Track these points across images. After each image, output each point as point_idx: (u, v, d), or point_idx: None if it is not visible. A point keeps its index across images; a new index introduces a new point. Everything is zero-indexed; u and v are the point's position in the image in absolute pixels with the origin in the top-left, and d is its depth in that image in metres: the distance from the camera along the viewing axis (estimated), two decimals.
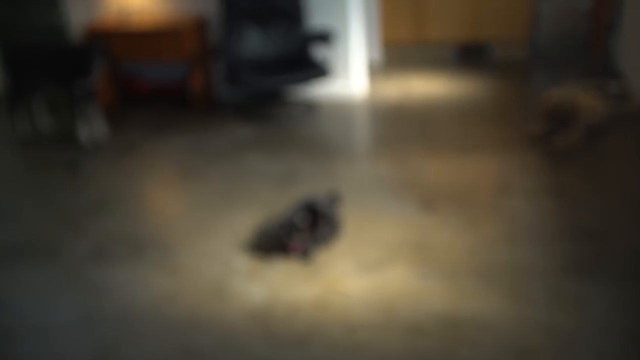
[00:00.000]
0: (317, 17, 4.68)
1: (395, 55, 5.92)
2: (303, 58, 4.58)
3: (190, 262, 2.75)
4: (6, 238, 3.08)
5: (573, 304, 2.33)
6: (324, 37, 4.40)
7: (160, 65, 5.16)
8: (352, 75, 4.83)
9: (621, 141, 3.71)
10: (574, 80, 4.72)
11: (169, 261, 2.77)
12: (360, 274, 2.60)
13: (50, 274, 2.74)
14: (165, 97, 5.14)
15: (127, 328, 2.35)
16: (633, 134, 3.78)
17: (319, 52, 4.58)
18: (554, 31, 5.49)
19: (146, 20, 4.79)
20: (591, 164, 3.44)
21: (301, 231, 2.62)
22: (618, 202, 3.03)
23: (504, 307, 2.34)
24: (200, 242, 2.91)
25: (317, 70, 4.33)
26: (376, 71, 5.51)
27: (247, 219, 3.09)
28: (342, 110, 4.61)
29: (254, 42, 4.62)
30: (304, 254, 2.71)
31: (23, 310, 2.50)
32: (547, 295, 2.38)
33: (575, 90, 4.34)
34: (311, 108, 4.66)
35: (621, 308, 2.29)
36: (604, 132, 3.83)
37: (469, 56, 5.74)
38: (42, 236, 3.07)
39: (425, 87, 4.99)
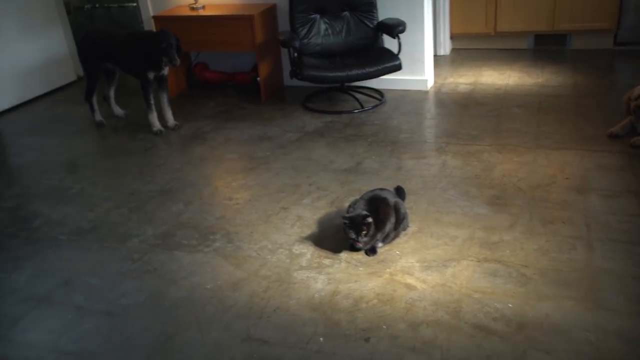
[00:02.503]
0: (387, 8, 4.59)
1: (466, 46, 5.75)
2: (373, 50, 4.51)
3: (255, 251, 2.76)
4: (78, 220, 3.19)
5: None
6: (395, 28, 4.31)
7: (230, 54, 5.22)
8: (421, 66, 4.72)
9: None
10: None
11: (234, 249, 2.79)
12: (426, 269, 2.53)
13: (118, 257, 2.81)
14: (233, 86, 5.20)
15: (191, 313, 2.38)
16: None
17: (389, 43, 4.49)
18: None
19: (217, 10, 4.85)
20: None
21: (367, 226, 2.57)
22: None
23: (578, 312, 2.21)
24: (266, 232, 2.91)
25: (387, 63, 4.25)
26: (446, 63, 5.37)
27: (313, 211, 3.07)
28: (410, 102, 4.52)
29: (323, 33, 4.58)
30: (370, 248, 2.67)
31: (92, 290, 2.58)
32: (627, 302, 2.24)
33: None
34: (379, 99, 4.59)
35: None
36: None
37: (546, 48, 5.50)
38: (112, 219, 3.16)
39: (497, 79, 4.82)
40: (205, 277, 2.59)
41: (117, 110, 4.71)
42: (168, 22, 4.75)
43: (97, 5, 6.23)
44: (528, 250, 2.60)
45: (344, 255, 2.67)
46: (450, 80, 4.92)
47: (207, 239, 2.89)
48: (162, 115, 4.35)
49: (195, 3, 4.91)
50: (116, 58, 4.33)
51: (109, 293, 2.55)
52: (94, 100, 4.54)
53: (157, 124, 4.29)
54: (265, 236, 2.87)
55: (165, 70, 4.23)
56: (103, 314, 2.43)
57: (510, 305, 2.28)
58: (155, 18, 4.85)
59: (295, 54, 4.37)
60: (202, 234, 2.94)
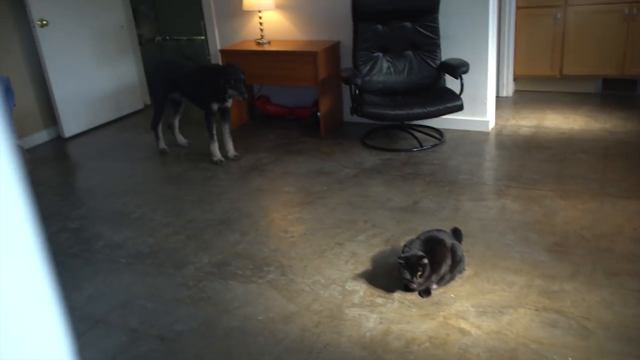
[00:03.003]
0: (451, 48, 4.60)
1: (529, 88, 5.67)
2: (435, 89, 4.51)
3: (308, 285, 2.76)
4: (138, 244, 3.28)
5: None
6: (458, 69, 4.31)
7: (292, 88, 5.32)
8: (483, 107, 4.67)
9: None
10: None
11: (287, 282, 2.80)
12: (481, 315, 2.46)
13: (174, 283, 2.87)
14: (294, 120, 5.29)
15: (242, 343, 2.39)
16: None
17: (451, 83, 4.49)
18: None
19: (282, 46, 4.98)
20: None
21: (422, 267, 2.53)
22: None
23: None
24: (320, 267, 2.91)
25: (449, 103, 4.24)
26: (509, 104, 5.30)
27: (368, 248, 3.05)
28: (470, 142, 4.47)
29: (385, 71, 4.62)
30: (424, 290, 2.62)
31: (147, 314, 2.64)
32: None
33: None
34: (439, 139, 4.57)
35: None
36: None
37: (614, 92, 5.36)
38: (171, 245, 3.23)
39: (561, 123, 4.71)
40: (257, 308, 2.60)
41: (181, 139, 4.86)
42: (234, 56, 4.90)
43: (167, 38, 6.52)
44: (590, 301, 2.50)
45: (397, 295, 2.64)
46: (512, 122, 4.85)
47: (262, 270, 2.91)
48: (223, 145, 4.46)
49: (261, 38, 5.06)
50: (184, 89, 4.49)
51: (164, 318, 2.60)
52: (159, 128, 4.71)
53: (217, 154, 4.40)
54: (319, 271, 2.87)
55: (229, 102, 4.35)
56: (156, 338, 2.47)
57: (569, 358, 2.19)
58: (222, 52, 5.02)
59: (357, 91, 4.42)
60: (256, 265, 2.96)
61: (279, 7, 5.09)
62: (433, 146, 4.43)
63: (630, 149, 4.09)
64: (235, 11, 5.23)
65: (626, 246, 2.89)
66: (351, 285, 2.73)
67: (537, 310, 2.47)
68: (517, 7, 5.38)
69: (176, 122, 4.83)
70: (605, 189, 3.53)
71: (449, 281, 2.69)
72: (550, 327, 2.37)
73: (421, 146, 4.43)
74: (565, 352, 2.22)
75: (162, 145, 4.75)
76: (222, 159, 4.41)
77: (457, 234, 2.90)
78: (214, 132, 4.37)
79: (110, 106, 5.70)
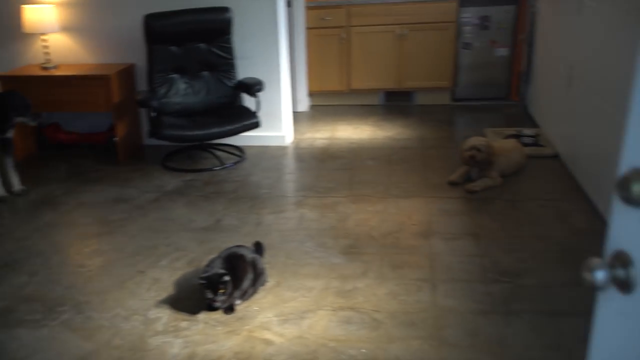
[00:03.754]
0: (246, 67, 4.73)
1: (323, 102, 6.04)
2: (232, 108, 4.60)
3: (108, 320, 2.64)
4: None
5: (492, 344, 2.37)
6: (253, 87, 4.45)
7: (85, 114, 5.06)
8: (280, 123, 4.88)
9: (534, 185, 3.88)
10: (493, 127, 4.94)
11: (83, 320, 2.65)
12: (283, 323, 2.57)
13: None
14: (89, 147, 5.03)
15: None
16: (546, 178, 3.97)
17: (249, 101, 4.62)
18: (475, 80, 5.76)
19: (71, 70, 4.72)
20: (507, 206, 3.57)
21: (224, 284, 2.57)
22: (530, 241, 3.14)
23: (424, 350, 2.35)
24: (120, 298, 2.80)
25: (246, 121, 4.36)
26: (305, 119, 5.60)
27: (171, 272, 3.01)
28: (270, 157, 4.63)
29: (183, 93, 4.61)
30: (228, 307, 2.66)
31: None
32: (466, 337, 2.42)
33: (493, 137, 4.55)
34: (239, 156, 4.66)
35: (537, 345, 2.35)
36: (520, 175, 4.00)
37: (395, 103, 5.93)
38: None
39: (352, 133, 5.09)
40: (49, 355, 2.42)
41: None
42: (16, 82, 4.53)
43: None
44: (379, 295, 2.74)
45: (202, 315, 2.64)
46: (308, 135, 5.13)
47: (54, 311, 2.72)
48: (7, 180, 4.09)
49: (47, 62, 4.74)
50: None
51: None
52: None
53: (2, 189, 4.02)
54: (119, 303, 2.77)
55: (10, 133, 4.00)
56: None
57: (363, 350, 2.37)
58: (1, 78, 4.61)
59: (154, 114, 4.34)
60: (48, 306, 2.76)
61: (66, 29, 4.83)
62: (234, 164, 4.51)
63: (410, 154, 4.55)
64: (15, 34, 4.83)
65: (407, 241, 3.22)
66: (154, 313, 2.68)
67: (334, 310, 2.65)
68: (307, 28, 5.72)
69: None
70: (389, 191, 3.89)
71: (252, 295, 2.76)
72: (346, 324, 2.55)
73: (223, 165, 4.49)
74: (359, 345, 2.41)
75: None
76: (5, 194, 4.03)
77: (259, 247, 2.99)
78: None
79: None
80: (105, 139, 4.94)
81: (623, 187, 0.89)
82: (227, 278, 2.59)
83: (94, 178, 4.35)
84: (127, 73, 4.77)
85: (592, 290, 0.96)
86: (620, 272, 0.92)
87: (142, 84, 4.82)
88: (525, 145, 4.28)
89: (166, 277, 2.97)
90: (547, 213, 3.44)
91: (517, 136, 4.46)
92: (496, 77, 5.75)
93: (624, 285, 0.92)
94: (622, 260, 0.92)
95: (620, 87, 3.12)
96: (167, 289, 2.86)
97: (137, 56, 4.78)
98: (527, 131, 4.56)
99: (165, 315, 2.66)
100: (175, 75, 4.61)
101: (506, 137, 4.45)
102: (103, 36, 4.84)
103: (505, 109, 5.58)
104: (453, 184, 3.90)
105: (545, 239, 3.16)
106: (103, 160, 4.72)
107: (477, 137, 3.91)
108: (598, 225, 3.24)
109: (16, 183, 4.12)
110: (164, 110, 4.49)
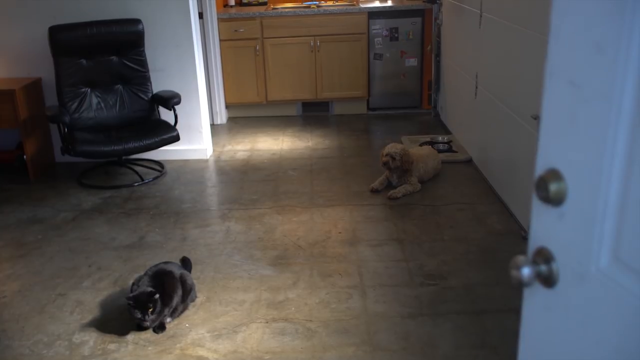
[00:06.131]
0: (162, 80, 4.64)
1: (241, 114, 6.02)
2: (150, 122, 4.50)
3: (29, 348, 2.51)
4: None
5: (423, 345, 2.47)
6: (170, 100, 4.37)
7: None
8: (199, 135, 4.82)
9: (451, 189, 4.07)
10: (409, 135, 5.12)
11: (3, 350, 2.50)
12: (217, 338, 2.55)
13: None
14: None
15: None
16: (461, 183, 4.17)
17: (166, 115, 4.53)
18: (388, 90, 5.95)
19: None
20: (427, 211, 3.72)
21: (153, 303, 2.51)
22: (451, 244, 3.29)
23: (359, 357, 2.41)
24: (40, 324, 2.67)
25: (165, 135, 4.27)
26: (224, 131, 5.56)
27: (95, 293, 2.90)
28: (191, 171, 4.57)
29: (95, 107, 4.45)
30: (158, 325, 2.60)
31: None
32: (398, 340, 2.50)
33: (409, 145, 4.73)
34: (159, 171, 4.56)
35: (464, 344, 2.47)
36: (436, 181, 4.18)
37: (312, 114, 6.01)
38: None
39: (272, 145, 5.12)
40: None
41: None
42: None
43: None
44: (311, 304, 2.77)
45: (131, 336, 2.57)
46: (229, 147, 5.10)
47: None
48: None
49: None
50: None
51: None
52: None
53: None
54: (40, 329, 2.63)
55: None
56: None
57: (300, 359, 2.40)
58: None
59: (66, 129, 4.17)
60: None
61: None
62: (154, 179, 4.41)
63: (330, 163, 4.64)
64: None
65: (335, 249, 3.28)
66: (79, 336, 2.57)
67: (267, 322, 2.65)
68: (221, 40, 5.69)
69: None
70: (313, 200, 3.94)
71: (182, 312, 2.72)
72: (280, 335, 2.56)
73: (142, 180, 4.37)
74: (294, 355, 2.43)
75: None
76: None
77: (186, 263, 2.94)
78: None
79: None
80: (14, 157, 4.67)
81: (540, 187, 0.95)
82: (156, 296, 2.53)
83: (3, 198, 4.11)
84: (34, 87, 4.55)
85: (516, 288, 1.02)
86: (543, 268, 0.98)
87: (51, 99, 4.60)
88: (440, 151, 4.48)
89: (90, 299, 2.85)
90: (465, 216, 3.62)
91: (431, 143, 4.66)
92: (408, 87, 5.97)
93: (547, 280, 0.98)
94: (544, 256, 0.98)
95: (521, 94, 3.35)
96: (91, 311, 2.75)
97: (44, 70, 4.56)
98: (441, 138, 4.77)
99: (92, 338, 2.56)
100: (86, 89, 4.45)
101: (422, 144, 4.64)
102: (6, 49, 4.60)
103: (418, 117, 5.80)
104: (375, 191, 4.01)
105: (465, 241, 3.32)
106: (12, 179, 4.46)
107: (394, 144, 4.04)
108: (513, 226, 3.45)
109: None
110: (77, 126, 4.32)
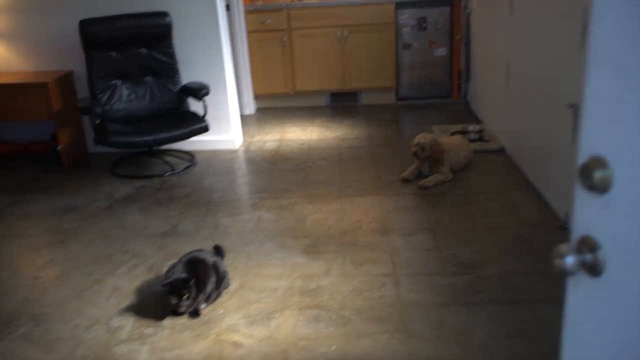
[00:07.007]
0: (190, 71, 4.68)
1: (269, 105, 6.04)
2: (179, 113, 4.54)
3: (69, 332, 2.56)
4: None
5: (457, 334, 2.45)
6: (199, 92, 4.40)
7: (24, 123, 4.87)
8: (228, 126, 4.85)
9: (483, 179, 4.03)
10: (439, 125, 5.08)
11: (43, 332, 2.55)
12: (251, 324, 2.56)
13: None
14: (30, 157, 4.84)
15: None
16: (493, 172, 4.12)
17: (195, 105, 4.57)
18: (417, 80, 5.90)
19: (5, 78, 4.53)
20: (459, 201, 3.69)
21: (187, 289, 2.54)
22: (485, 233, 3.26)
23: (393, 344, 2.40)
24: (79, 309, 2.72)
25: (195, 125, 4.31)
26: (253, 121, 5.59)
27: (131, 280, 2.94)
28: (221, 161, 4.60)
29: (126, 99, 4.51)
30: (192, 311, 2.63)
31: None
32: (432, 329, 2.49)
33: (439, 134, 4.69)
34: (190, 161, 4.60)
35: (500, 333, 2.45)
36: (468, 170, 4.14)
37: (340, 104, 6.00)
38: None
39: (301, 135, 5.12)
40: None
41: None
42: None
43: None
44: (344, 292, 2.78)
45: (167, 321, 2.60)
46: (258, 138, 5.12)
47: (9, 325, 2.61)
48: None
49: None
50: None
51: None
52: None
53: None
54: (79, 313, 2.68)
55: None
56: None
57: (333, 347, 2.40)
58: None
59: (98, 121, 4.23)
60: (3, 321, 2.64)
61: None
62: (185, 169, 4.45)
63: (359, 153, 4.63)
64: None
65: (366, 238, 3.28)
66: (117, 321, 2.61)
67: (300, 309, 2.66)
68: (248, 32, 5.70)
69: None
70: (343, 189, 3.94)
71: (216, 298, 2.74)
72: (313, 322, 2.57)
73: (173, 170, 4.42)
74: (329, 342, 2.43)
75: None
76: None
77: (218, 250, 2.97)
78: None
79: None
80: (48, 148, 4.76)
81: (584, 174, 0.93)
82: (191, 282, 2.56)
83: (40, 188, 4.19)
84: (66, 80, 4.61)
85: (559, 277, 1.00)
86: (588, 257, 0.95)
87: (83, 91, 4.67)
88: (471, 140, 4.43)
89: (126, 285, 2.90)
90: (498, 205, 3.58)
91: (462, 132, 4.62)
92: (437, 76, 5.92)
93: (593, 269, 0.95)
94: (588, 245, 0.96)
95: (556, 82, 3.29)
96: (128, 297, 2.80)
97: (76, 63, 4.62)
98: (472, 127, 4.72)
99: (129, 322, 2.60)
100: (117, 81, 4.51)
101: (452, 134, 4.60)
102: (38, 43, 4.67)
103: (448, 107, 5.75)
104: (405, 180, 3.99)
105: (499, 230, 3.28)
106: (48, 169, 4.55)
107: (423, 134, 4.01)
108: (548, 216, 3.40)
109: None
110: (108, 117, 4.38)
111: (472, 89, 5.53)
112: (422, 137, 3.95)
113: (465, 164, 4.14)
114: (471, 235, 3.25)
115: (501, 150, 4.41)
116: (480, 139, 4.58)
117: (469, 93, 5.61)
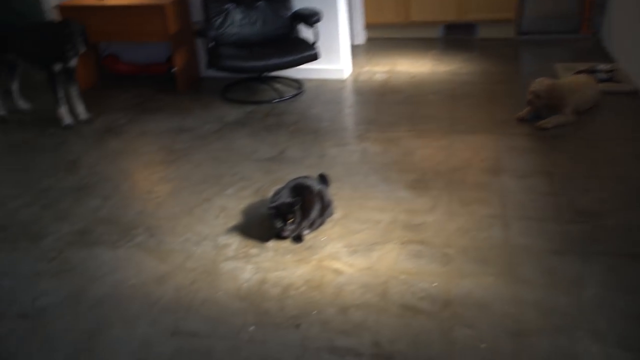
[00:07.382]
0: None
1: (380, 35, 5.85)
2: (290, 40, 4.50)
3: (179, 244, 2.69)
4: None
5: (568, 284, 2.31)
6: (310, 18, 4.32)
7: (143, 45, 5.04)
8: (338, 55, 4.76)
9: (611, 123, 3.71)
10: (564, 63, 4.70)
11: (157, 243, 2.70)
12: (352, 254, 2.56)
13: (32, 256, 2.65)
14: (148, 77, 5.04)
15: (115, 310, 2.28)
16: (623, 116, 3.78)
17: (306, 33, 4.50)
18: (542, 12, 5.45)
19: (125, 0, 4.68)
20: (581, 145, 3.43)
21: (292, 214, 2.56)
22: (608, 181, 3.02)
23: (498, 287, 2.31)
24: (189, 224, 2.84)
25: (305, 53, 4.26)
26: (362, 52, 5.45)
27: (237, 201, 3.03)
28: (329, 91, 4.55)
29: (239, 23, 4.52)
30: (296, 236, 2.67)
31: (4, 293, 2.42)
32: (541, 276, 2.36)
33: (564, 73, 4.33)
34: (298, 89, 4.59)
35: (616, 287, 2.28)
36: (594, 113, 3.82)
37: (455, 37, 5.70)
38: (23, 218, 2.98)
39: (411, 67, 4.94)
40: (128, 273, 2.50)
41: (22, 104, 4.43)
42: (73, 12, 4.52)
43: None
44: (449, 230, 2.69)
45: (271, 244, 2.66)
46: (367, 69, 5.00)
47: (128, 234, 2.78)
48: (73, 108, 4.14)
49: None
50: (19, 50, 4.06)
51: (23, 295, 2.41)
52: None
53: (66, 118, 4.08)
54: (189, 228, 2.81)
55: (74, 61, 4.02)
56: (17, 317, 2.28)
57: (434, 284, 2.35)
58: (61, 7, 4.60)
59: (212, 44, 4.28)
60: (122, 229, 2.83)
61: None
62: (293, 96, 4.45)
63: (474, 89, 4.40)
64: None
65: (476, 177, 3.14)
66: (224, 239, 2.71)
67: (402, 243, 2.62)
68: None
69: (14, 87, 4.39)
70: (454, 126, 3.78)
71: (319, 225, 2.75)
72: (415, 257, 2.52)
73: (281, 97, 4.43)
74: (430, 278, 2.39)
75: (1, 111, 4.31)
76: (72, 122, 4.10)
77: (323, 179, 2.96)
78: (61, 94, 4.03)
79: None
80: (164, 69, 4.93)
81: None
82: (296, 207, 2.58)
83: (155, 108, 4.37)
84: (181, 3, 4.69)
85: None
86: None
87: (196, 15, 4.73)
88: (600, 81, 4.06)
89: (233, 206, 2.98)
90: (627, 152, 3.29)
91: (590, 72, 4.24)
92: (565, 8, 5.42)
93: None
94: None
95: None
96: (235, 217, 2.88)
97: None
98: (602, 66, 4.32)
99: (235, 241, 2.68)
100: (230, 6, 4.52)
101: (577, 73, 4.23)
102: None
103: (575, 43, 5.29)
104: (522, 120, 3.76)
105: (625, 179, 3.02)
106: (162, 90, 4.72)
107: (541, 80, 3.71)
108: None
109: (82, 111, 4.17)
110: (221, 41, 4.43)
111: (606, 23, 5.03)
112: (538, 84, 3.66)
113: (591, 106, 3.82)
114: (593, 182, 3.01)
115: (635, 93, 4.01)
116: (611, 79, 4.18)
117: (603, 27, 5.10)
